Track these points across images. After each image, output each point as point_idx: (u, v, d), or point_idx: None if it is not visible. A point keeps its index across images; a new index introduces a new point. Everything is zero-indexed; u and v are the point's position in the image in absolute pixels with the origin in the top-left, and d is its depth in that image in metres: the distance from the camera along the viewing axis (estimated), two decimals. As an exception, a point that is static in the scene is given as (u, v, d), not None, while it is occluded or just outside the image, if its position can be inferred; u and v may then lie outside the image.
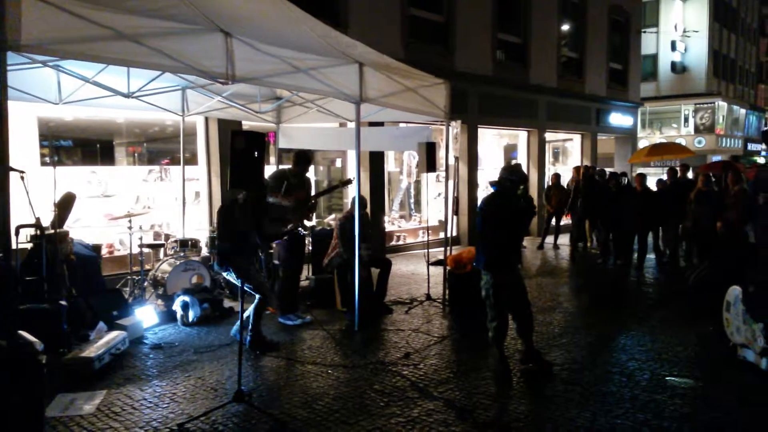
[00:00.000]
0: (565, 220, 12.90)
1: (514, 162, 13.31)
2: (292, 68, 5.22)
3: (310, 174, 11.02)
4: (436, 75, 7.10)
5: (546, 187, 13.08)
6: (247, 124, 8.83)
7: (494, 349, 5.02)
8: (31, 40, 3.65)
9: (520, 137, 15.90)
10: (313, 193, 6.85)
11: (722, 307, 5.47)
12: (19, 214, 4.90)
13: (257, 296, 5.43)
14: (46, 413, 4.01)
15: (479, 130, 13.66)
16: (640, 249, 10.51)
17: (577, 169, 12.43)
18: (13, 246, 5.16)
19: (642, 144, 24.24)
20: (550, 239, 12.77)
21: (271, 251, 7.68)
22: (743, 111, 36.60)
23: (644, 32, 21.93)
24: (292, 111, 8.41)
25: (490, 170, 14.96)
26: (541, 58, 15.32)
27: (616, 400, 4.41)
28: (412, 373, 4.97)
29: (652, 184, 11.26)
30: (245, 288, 5.38)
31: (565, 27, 16.71)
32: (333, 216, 10.53)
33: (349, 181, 7.31)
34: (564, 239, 12.69)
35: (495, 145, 15.93)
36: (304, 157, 6.63)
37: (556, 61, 15.99)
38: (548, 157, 17.23)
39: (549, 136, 16.54)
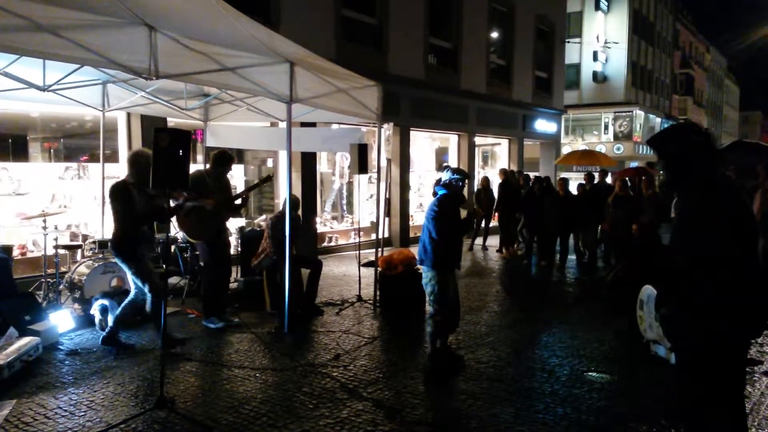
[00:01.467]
0: (493, 222, 13.30)
1: (445, 164, 13.55)
2: (219, 65, 5.10)
3: (240, 174, 10.86)
4: (368, 77, 7.13)
5: (476, 190, 13.42)
6: (172, 122, 8.55)
7: (431, 345, 5.10)
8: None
9: (451, 141, 16.23)
10: (234, 193, 6.70)
11: (636, 305, 5.79)
12: None
13: (147, 292, 5.34)
14: (-54, 426, 3.75)
15: (411, 132, 13.83)
16: (561, 250, 10.98)
17: (503, 171, 12.86)
18: None
19: (565, 150, 25.31)
20: (479, 240, 13.10)
21: (197, 252, 7.47)
22: (659, 120, 38.89)
23: (568, 42, 22.89)
24: (221, 109, 8.21)
25: (421, 172, 15.20)
26: (471, 64, 15.69)
27: (537, 396, 4.58)
28: (341, 374, 4.97)
29: (573, 189, 11.78)
30: (132, 280, 5.28)
31: (494, 34, 17.21)
32: (263, 216, 10.36)
33: (269, 178, 7.18)
34: (492, 240, 13.06)
35: (427, 148, 16.18)
36: (223, 157, 6.39)
37: (485, 68, 16.42)
38: (478, 160, 17.68)
39: (478, 140, 16.98)
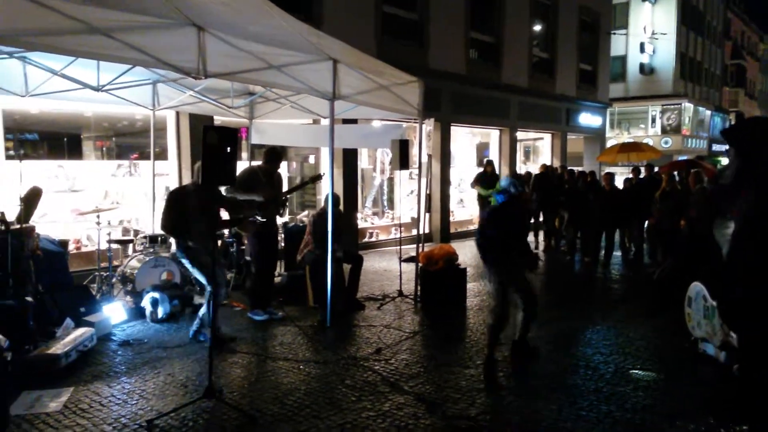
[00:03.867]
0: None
1: (486, 160, 13.47)
2: (266, 64, 5.21)
3: (283, 170, 11.04)
4: (409, 73, 7.15)
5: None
6: (219, 119, 8.76)
7: (489, 341, 5.04)
8: (-3, 31, 3.60)
9: (492, 136, 16.09)
10: (285, 189, 6.84)
11: (684, 302, 5.65)
12: (-17, 208, 4.82)
13: (208, 289, 5.40)
14: (10, 411, 3.95)
15: (452, 128, 13.78)
16: (606, 246, 10.75)
17: (543, 166, 12.71)
18: (-23, 241, 5.07)
19: (610, 144, 24.72)
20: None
21: (243, 247, 7.65)
22: (708, 112, 37.56)
23: (614, 34, 22.36)
24: (266, 107, 8.37)
25: (462, 168, 15.12)
26: (513, 58, 15.51)
27: (581, 392, 4.53)
28: (383, 368, 5.02)
29: (619, 183, 11.52)
30: (197, 277, 5.40)
31: (537, 27, 16.95)
32: (306, 212, 10.52)
33: (319, 177, 7.30)
34: (531, 238, 12.91)
35: (468, 143, 16.09)
36: (274, 154, 6.57)
37: (527, 61, 16.20)
38: (519, 155, 17.47)
39: (520, 135, 16.78)
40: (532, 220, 12.99)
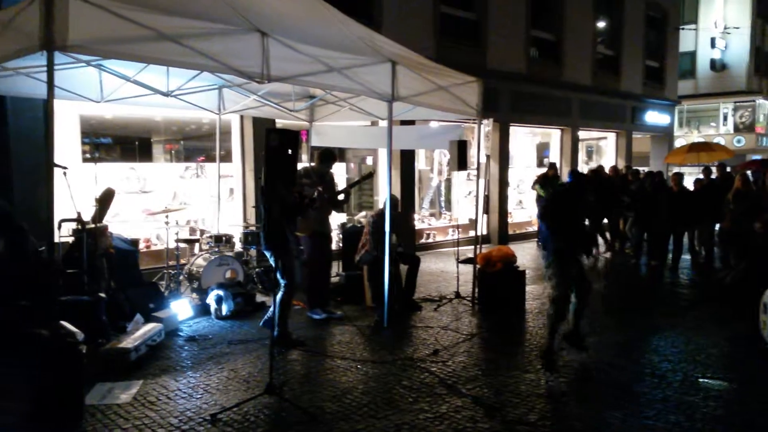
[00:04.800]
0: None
1: (546, 160, 13.21)
2: (326, 67, 5.29)
3: (341, 171, 11.18)
4: (467, 73, 7.10)
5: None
6: (280, 122, 8.95)
7: (548, 333, 5.13)
8: (77, 40, 3.81)
9: (552, 135, 15.74)
10: (338, 189, 6.92)
11: (758, 308, 5.36)
12: (61, 208, 5.10)
13: (283, 286, 5.50)
14: (85, 401, 4.17)
15: (511, 128, 13.58)
16: (675, 249, 10.32)
17: (613, 168, 12.34)
18: (56, 239, 5.38)
19: (679, 143, 23.71)
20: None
21: (301, 246, 7.79)
22: (786, 109, 35.43)
23: (682, 29, 21.46)
24: (325, 109, 8.50)
25: (521, 168, 14.88)
26: (576, 55, 15.13)
27: (647, 401, 4.37)
28: (440, 369, 5.00)
29: (688, 184, 11.05)
30: (277, 274, 5.53)
31: (601, 24, 16.47)
32: (363, 213, 10.61)
33: (371, 175, 7.34)
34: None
35: (527, 144, 15.80)
36: (328, 155, 6.68)
37: (590, 58, 15.77)
38: (581, 155, 17.02)
39: (582, 134, 16.34)
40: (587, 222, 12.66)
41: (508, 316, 6.77)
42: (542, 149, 16.16)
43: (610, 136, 17.68)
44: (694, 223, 10.48)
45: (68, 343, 3.91)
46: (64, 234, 5.92)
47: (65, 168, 4.90)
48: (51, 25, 3.68)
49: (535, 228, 13.53)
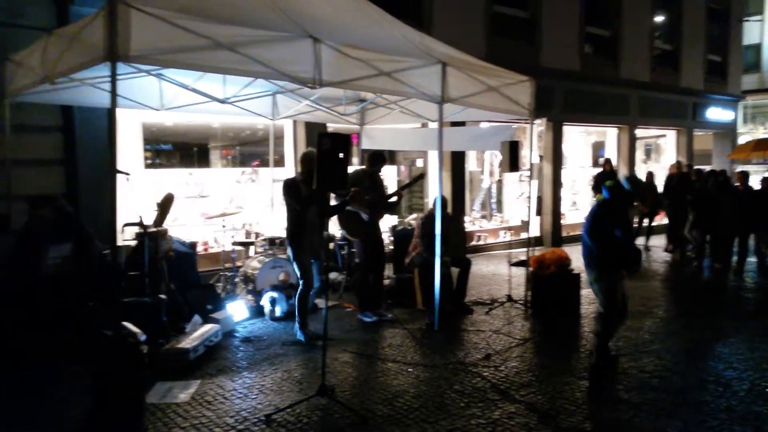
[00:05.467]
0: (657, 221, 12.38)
1: (602, 159, 12.87)
2: (376, 71, 5.31)
3: (391, 174, 11.21)
4: (520, 72, 6.99)
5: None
6: (331, 126, 9.06)
7: (596, 349, 4.84)
8: (138, 51, 3.96)
9: (608, 134, 15.32)
10: (389, 192, 6.94)
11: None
12: (124, 213, 5.31)
13: (300, 283, 5.71)
14: (146, 400, 4.32)
15: (565, 127, 13.29)
16: (739, 252, 9.85)
17: (674, 166, 11.91)
18: (119, 243, 5.61)
19: (743, 140, 22.63)
20: (641, 240, 12.20)
21: (354, 249, 7.85)
22: None
23: (746, 21, 20.46)
24: (376, 112, 8.55)
25: (576, 169, 14.54)
26: (633, 51, 14.68)
27: (710, 410, 4.19)
28: (492, 374, 4.94)
29: (754, 182, 10.52)
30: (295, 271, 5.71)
31: (659, 18, 15.92)
32: (413, 215, 10.60)
33: (422, 177, 7.33)
34: (655, 241, 12.12)
35: (582, 143, 15.43)
36: (378, 157, 6.73)
37: (648, 54, 15.26)
38: (639, 154, 16.49)
39: (640, 132, 15.82)
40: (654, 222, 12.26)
41: (562, 320, 6.63)
42: (598, 148, 15.74)
43: (670, 134, 17.05)
44: (760, 224, 9.97)
45: (130, 344, 4.05)
46: (126, 238, 6.15)
47: (128, 174, 5.09)
48: (114, 37, 3.83)
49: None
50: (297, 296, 5.83)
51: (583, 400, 4.42)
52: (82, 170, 7.16)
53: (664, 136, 17.24)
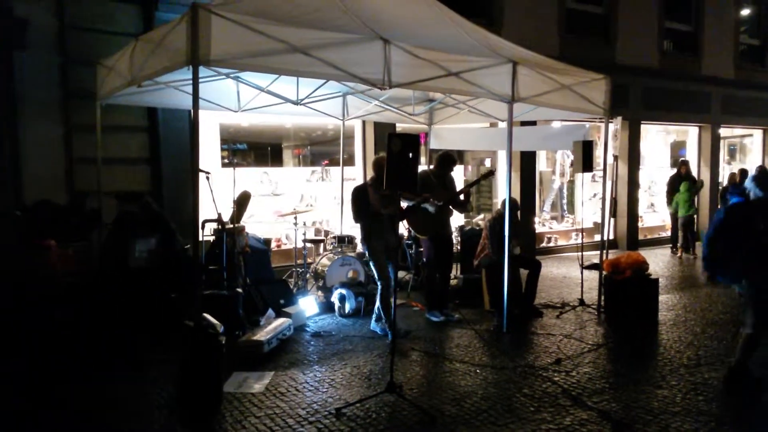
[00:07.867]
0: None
1: (681, 160, 12.29)
2: (445, 71, 5.31)
3: (460, 174, 11.15)
4: (594, 69, 6.80)
5: (721, 188, 11.89)
6: (400, 126, 9.12)
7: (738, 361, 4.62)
8: (218, 55, 4.15)
9: (689, 133, 14.61)
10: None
11: None
12: (204, 210, 5.56)
13: (378, 284, 5.85)
14: (224, 389, 4.51)
15: (642, 126, 12.79)
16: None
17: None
18: (200, 239, 5.88)
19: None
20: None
21: (422, 249, 7.87)
22: None
23: None
24: (444, 112, 8.54)
25: (653, 169, 13.96)
26: (716, 47, 13.93)
27: (800, 428, 3.95)
28: (563, 380, 4.84)
29: None
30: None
31: (745, 11, 15.03)
32: (482, 216, 10.51)
33: (491, 173, 7.24)
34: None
35: (660, 142, 14.79)
36: (447, 159, 6.71)
37: (733, 49, 14.43)
38: (723, 155, 15.62)
39: (724, 131, 14.99)
40: None
41: (638, 326, 6.40)
42: (677, 148, 15.04)
43: (757, 133, 16.06)
44: None
45: (210, 334, 4.25)
46: (206, 234, 6.43)
47: (208, 173, 5.29)
48: (196, 41, 4.03)
49: (668, 233, 12.64)
50: (378, 297, 5.99)
51: (661, 411, 4.25)
52: (166, 169, 7.55)
53: (750, 135, 16.26)
